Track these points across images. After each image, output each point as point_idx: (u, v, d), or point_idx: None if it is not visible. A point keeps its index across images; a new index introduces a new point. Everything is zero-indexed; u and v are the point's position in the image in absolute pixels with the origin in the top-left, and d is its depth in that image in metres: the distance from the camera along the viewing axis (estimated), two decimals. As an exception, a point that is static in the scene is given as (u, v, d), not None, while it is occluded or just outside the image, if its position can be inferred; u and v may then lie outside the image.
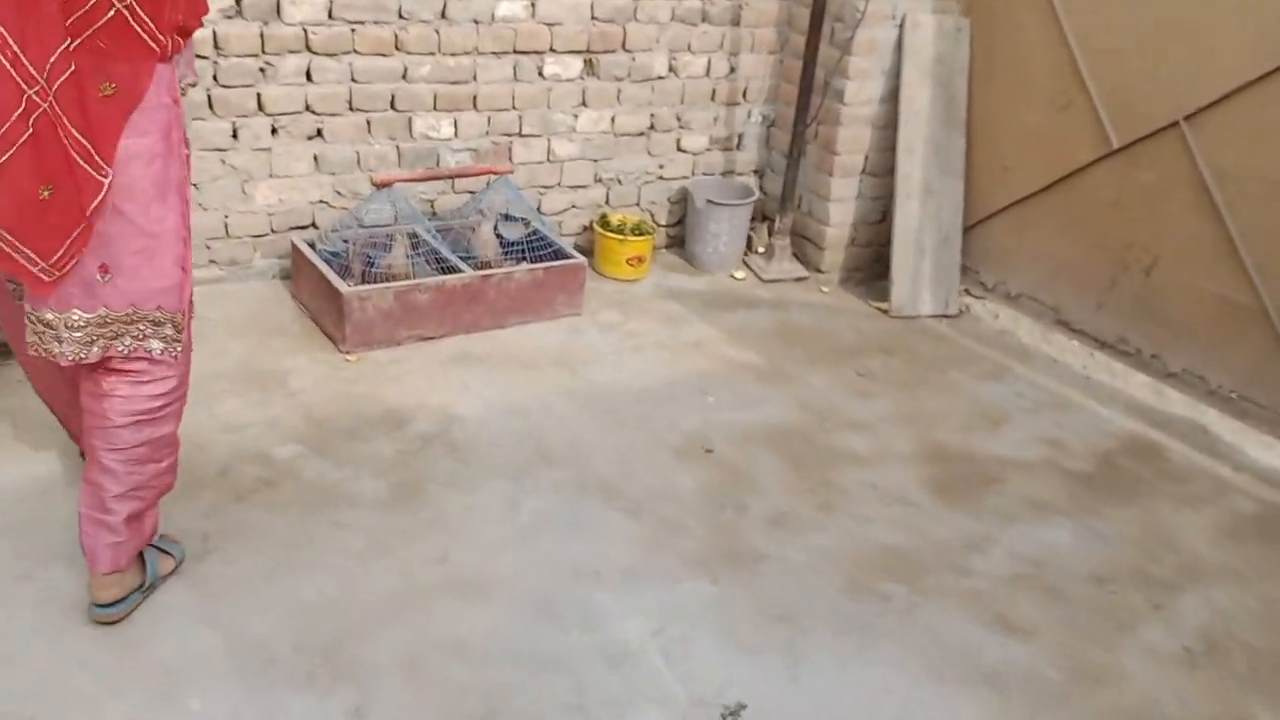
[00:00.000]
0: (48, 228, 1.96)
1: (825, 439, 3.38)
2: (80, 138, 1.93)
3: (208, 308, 3.65)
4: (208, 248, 3.78)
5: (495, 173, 3.92)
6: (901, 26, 4.23)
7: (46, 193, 1.93)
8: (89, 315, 2.07)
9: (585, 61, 4.15)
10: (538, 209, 4.32)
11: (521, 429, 3.23)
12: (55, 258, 1.99)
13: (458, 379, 3.47)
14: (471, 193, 4.12)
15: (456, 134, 4.02)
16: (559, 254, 3.94)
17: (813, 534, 2.91)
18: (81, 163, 1.94)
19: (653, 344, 3.86)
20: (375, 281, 3.59)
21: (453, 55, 3.88)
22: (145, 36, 1.95)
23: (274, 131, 3.71)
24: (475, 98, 3.99)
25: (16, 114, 1.86)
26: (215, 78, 3.54)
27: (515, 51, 4.00)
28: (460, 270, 3.71)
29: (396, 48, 3.78)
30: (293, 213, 3.86)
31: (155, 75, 2.00)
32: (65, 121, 1.90)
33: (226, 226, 3.78)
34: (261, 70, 3.60)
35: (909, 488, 3.18)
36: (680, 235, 4.69)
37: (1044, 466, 3.36)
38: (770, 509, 3.00)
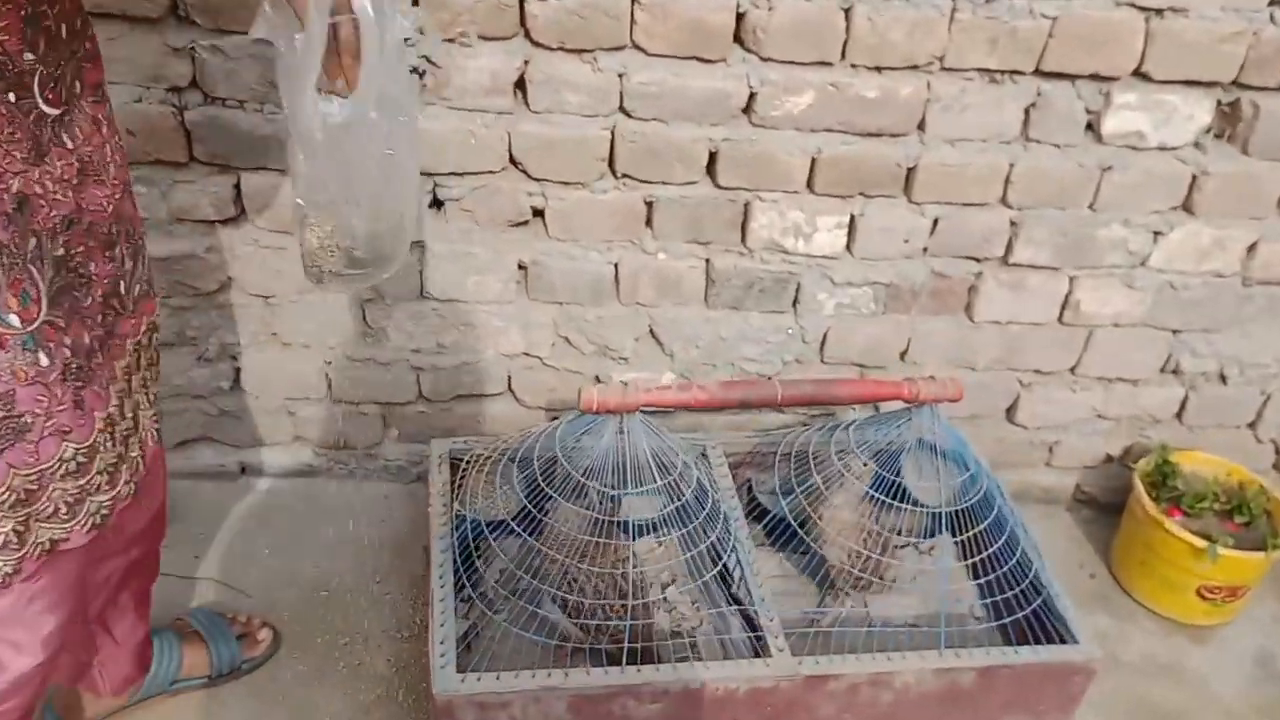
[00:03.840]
0: None
1: None
2: None
3: (263, 526, 1.79)
4: (291, 413, 1.87)
5: (914, 401, 1.57)
6: None
7: None
8: None
9: (1223, 108, 1.62)
10: (1009, 425, 1.93)
11: None
12: None
13: None
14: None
15: (851, 247, 1.72)
16: (1021, 573, 1.56)
17: None
18: None
19: None
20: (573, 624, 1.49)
21: (875, 70, 1.55)
22: None
23: (436, 205, 1.66)
24: (912, 171, 1.64)
25: None
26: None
27: (1038, 72, 1.57)
28: (760, 628, 1.48)
29: (741, 41, 1.53)
30: (466, 368, 1.82)
31: None
32: None
33: (329, 379, 1.83)
34: (414, 72, 1.53)
35: None
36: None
37: None
38: None
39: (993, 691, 1.49)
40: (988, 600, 1.61)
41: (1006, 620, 1.56)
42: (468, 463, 1.64)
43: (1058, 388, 1.90)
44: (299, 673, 1.62)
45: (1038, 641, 1.54)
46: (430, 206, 1.65)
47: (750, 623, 1.52)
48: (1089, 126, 1.63)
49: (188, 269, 1.67)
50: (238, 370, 1.81)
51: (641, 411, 1.50)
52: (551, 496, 1.50)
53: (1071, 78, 1.59)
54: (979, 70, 1.57)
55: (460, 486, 1.63)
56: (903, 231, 1.70)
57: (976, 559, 1.60)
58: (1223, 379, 1.90)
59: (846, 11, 1.49)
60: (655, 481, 1.44)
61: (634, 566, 1.48)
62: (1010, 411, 1.93)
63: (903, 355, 1.84)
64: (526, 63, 1.53)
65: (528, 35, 1.50)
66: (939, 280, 1.76)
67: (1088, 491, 2.04)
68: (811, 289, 1.76)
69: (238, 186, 1.62)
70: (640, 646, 1.42)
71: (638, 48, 1.52)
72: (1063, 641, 1.51)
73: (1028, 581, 1.56)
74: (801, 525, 1.65)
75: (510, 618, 1.52)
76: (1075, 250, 1.73)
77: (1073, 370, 1.88)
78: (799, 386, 1.52)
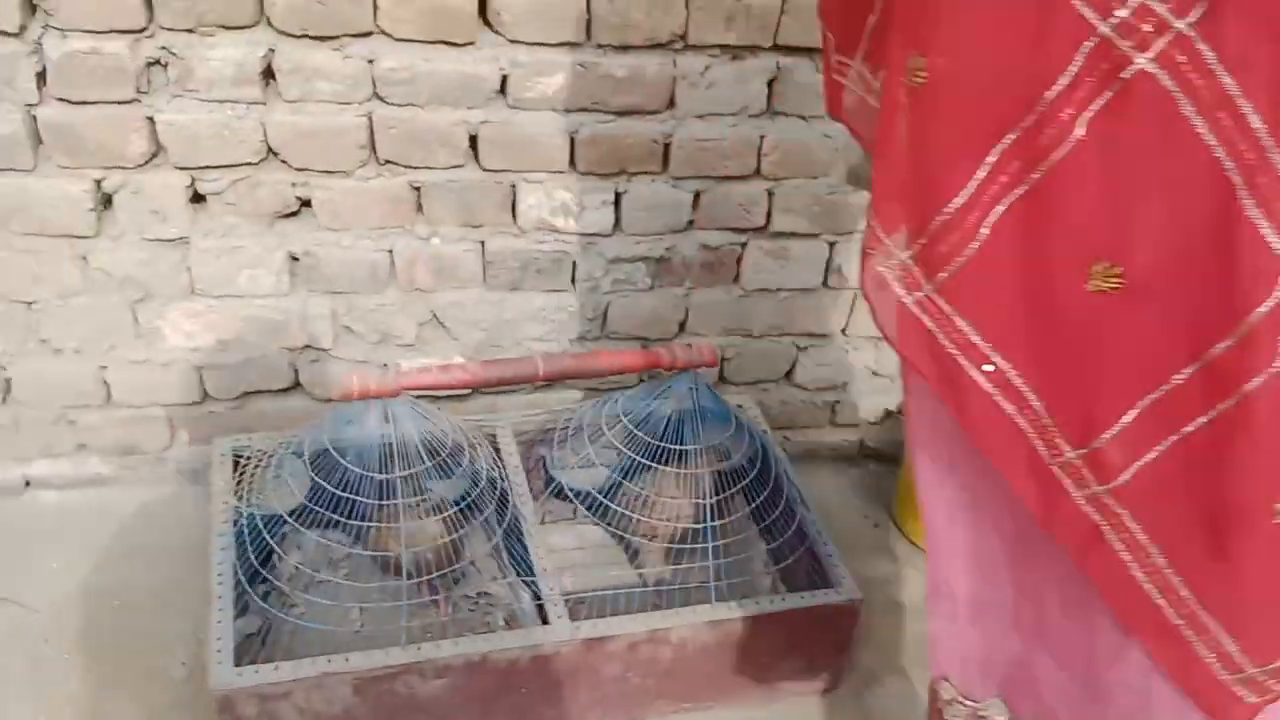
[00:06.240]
0: None
1: None
2: None
3: (51, 540, 1.74)
4: (71, 422, 1.82)
5: (671, 368, 1.64)
6: None
7: None
8: None
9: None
10: (791, 388, 2.02)
11: None
12: None
13: None
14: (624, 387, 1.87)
15: (620, 224, 1.77)
16: (801, 533, 1.66)
17: None
18: None
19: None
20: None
21: (621, 49, 1.60)
22: None
23: (197, 199, 1.64)
24: (668, 147, 1.70)
25: None
26: (43, 78, 1.49)
27: (775, 48, 1.65)
28: (544, 603, 1.52)
29: (489, 24, 1.56)
30: (250, 365, 1.81)
31: None
32: None
33: (107, 385, 1.79)
34: (154, 66, 1.51)
35: None
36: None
37: None
38: None
39: (765, 637, 1.57)
40: (770, 547, 1.71)
41: (782, 567, 1.66)
42: (247, 459, 1.63)
43: (831, 350, 2.00)
44: (89, 681, 1.59)
45: (812, 589, 1.63)
46: (190, 201, 1.63)
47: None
48: (833, 98, 1.72)
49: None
50: (9, 381, 1.75)
51: (416, 396, 1.53)
52: (332, 487, 1.51)
53: (808, 51, 1.67)
54: (720, 46, 1.64)
55: (241, 484, 1.62)
56: (667, 207, 1.77)
57: (754, 505, 1.68)
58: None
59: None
60: (423, 464, 1.46)
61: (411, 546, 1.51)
62: (790, 374, 2.03)
63: (682, 326, 1.91)
64: (272, 51, 1.53)
65: (270, 23, 1.50)
66: (707, 252, 1.83)
67: (873, 447, 2.15)
68: (587, 267, 1.80)
69: (-26, 187, 1.57)
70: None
71: (384, 33, 1.53)
72: (828, 587, 1.60)
73: (793, 529, 1.65)
74: (603, 496, 1.69)
75: (306, 611, 1.53)
76: (830, 217, 1.83)
77: (844, 332, 1.99)
78: (560, 361, 1.57)
